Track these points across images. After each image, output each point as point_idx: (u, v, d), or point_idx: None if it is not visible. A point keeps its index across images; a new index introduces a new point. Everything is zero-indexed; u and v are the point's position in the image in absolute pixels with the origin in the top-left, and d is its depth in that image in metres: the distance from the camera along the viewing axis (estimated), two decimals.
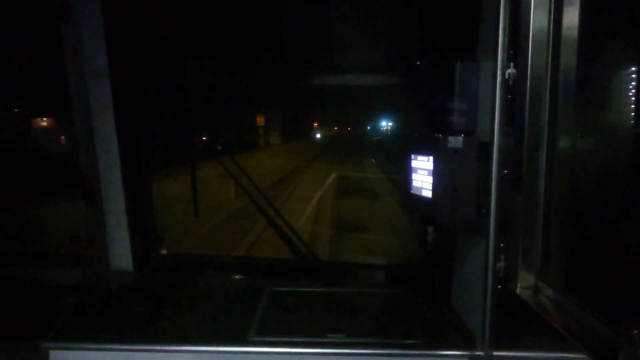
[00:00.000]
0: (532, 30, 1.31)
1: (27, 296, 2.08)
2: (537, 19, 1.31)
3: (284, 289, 2.02)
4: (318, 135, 28.23)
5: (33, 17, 2.47)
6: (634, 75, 1.18)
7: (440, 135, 1.48)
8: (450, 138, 1.45)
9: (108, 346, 1.55)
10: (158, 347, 1.55)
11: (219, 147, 3.23)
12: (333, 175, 11.87)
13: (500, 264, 1.38)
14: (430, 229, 1.84)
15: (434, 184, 1.49)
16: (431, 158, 1.49)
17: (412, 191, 1.63)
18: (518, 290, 1.41)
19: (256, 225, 5.74)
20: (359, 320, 1.75)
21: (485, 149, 1.44)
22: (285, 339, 1.57)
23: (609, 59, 1.31)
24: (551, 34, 1.31)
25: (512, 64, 1.30)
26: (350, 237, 6.05)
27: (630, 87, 1.20)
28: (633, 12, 1.15)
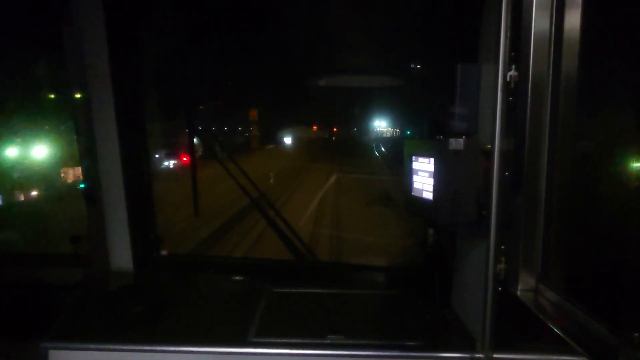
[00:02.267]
0: (534, 32, 1.31)
1: (27, 296, 2.08)
2: (538, 21, 1.31)
3: (283, 289, 2.02)
4: (288, 141, 16.40)
5: (34, 17, 2.47)
6: (635, 77, 1.18)
7: (441, 137, 1.48)
8: (452, 140, 1.45)
9: (108, 346, 1.55)
10: (157, 347, 1.55)
11: None
12: None
13: (501, 266, 1.38)
14: (430, 231, 1.84)
15: (435, 186, 1.49)
16: (432, 160, 1.49)
17: (413, 193, 1.63)
18: (518, 293, 1.41)
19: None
20: (359, 321, 1.75)
21: (486, 151, 1.44)
22: (285, 340, 1.57)
23: (610, 61, 1.31)
24: (553, 37, 1.31)
25: (513, 66, 1.30)
26: None
27: (632, 89, 1.20)
28: (635, 14, 1.15)
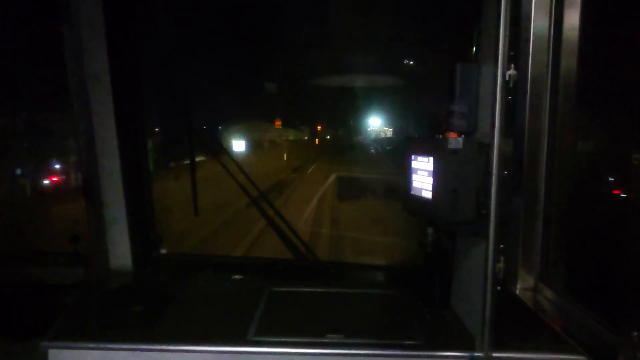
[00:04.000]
0: (533, 31, 1.31)
1: (27, 296, 2.08)
2: (537, 20, 1.31)
3: (283, 289, 2.02)
4: (239, 147, 8.31)
5: (34, 17, 2.47)
6: (634, 76, 1.19)
7: (440, 136, 1.48)
8: (451, 139, 1.45)
9: (107, 345, 1.55)
10: (157, 347, 1.55)
11: None
12: None
13: (500, 265, 1.38)
14: (430, 230, 1.84)
15: (434, 185, 1.49)
16: (431, 159, 1.49)
17: (412, 192, 1.63)
18: (518, 292, 1.42)
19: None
20: (358, 320, 1.75)
21: (485, 150, 1.44)
22: (285, 339, 1.57)
23: (609, 61, 1.31)
24: (552, 36, 1.31)
25: (512, 65, 1.30)
26: None
27: (631, 88, 1.20)
28: (633, 13, 1.15)
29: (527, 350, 1.47)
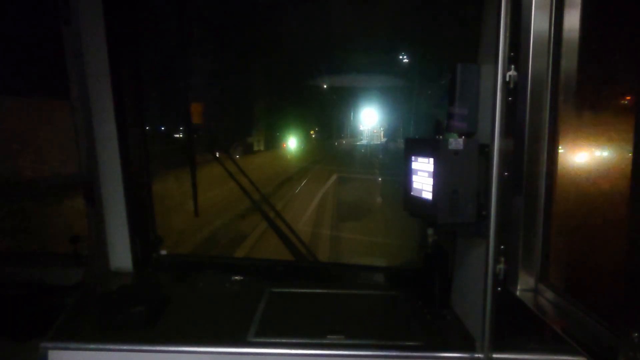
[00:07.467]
0: (533, 32, 1.31)
1: (27, 296, 2.08)
2: (538, 21, 1.31)
3: (283, 290, 2.02)
4: None
5: (34, 17, 2.47)
6: (634, 78, 1.18)
7: (440, 137, 1.48)
8: (451, 140, 1.45)
9: (107, 346, 1.55)
10: (157, 348, 1.55)
11: None
12: None
13: (500, 266, 1.38)
14: (430, 231, 1.84)
15: (434, 186, 1.49)
16: (432, 160, 1.49)
17: (412, 193, 1.63)
18: (518, 293, 1.41)
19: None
20: (359, 322, 1.75)
21: (485, 151, 1.44)
22: (285, 340, 1.57)
23: (609, 61, 1.31)
24: (552, 36, 1.31)
25: (512, 66, 1.30)
26: None
27: (631, 88, 1.20)
28: (634, 14, 1.15)
29: (527, 350, 1.47)
